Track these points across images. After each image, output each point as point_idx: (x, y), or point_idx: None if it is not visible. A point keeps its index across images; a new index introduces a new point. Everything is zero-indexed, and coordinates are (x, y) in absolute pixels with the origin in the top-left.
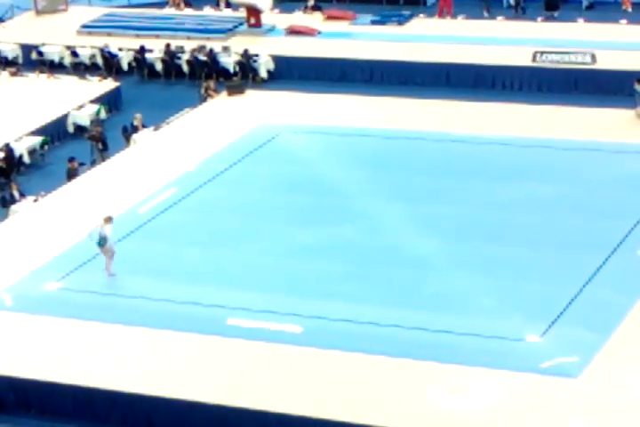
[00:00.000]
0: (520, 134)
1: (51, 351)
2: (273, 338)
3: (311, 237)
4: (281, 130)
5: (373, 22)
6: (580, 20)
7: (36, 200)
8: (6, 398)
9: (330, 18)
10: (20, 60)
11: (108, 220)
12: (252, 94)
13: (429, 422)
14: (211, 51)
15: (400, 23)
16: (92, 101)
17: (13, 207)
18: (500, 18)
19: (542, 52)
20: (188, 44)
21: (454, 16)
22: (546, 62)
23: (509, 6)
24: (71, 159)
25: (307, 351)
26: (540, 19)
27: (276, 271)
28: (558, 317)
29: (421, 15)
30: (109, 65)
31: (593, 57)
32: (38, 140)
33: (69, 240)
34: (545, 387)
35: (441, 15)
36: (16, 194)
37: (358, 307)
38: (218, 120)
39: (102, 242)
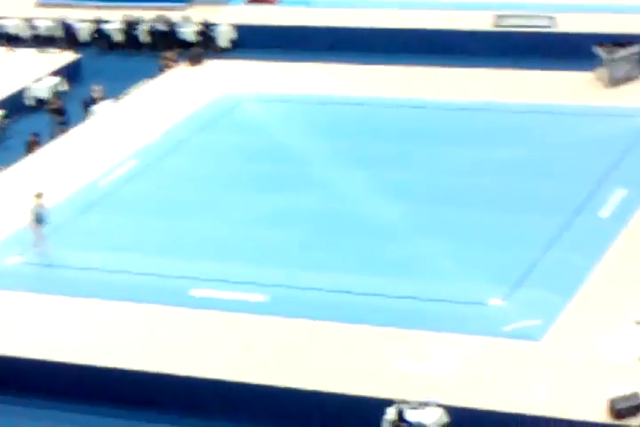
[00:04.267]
0: (480, 99)
1: (11, 325)
2: (237, 308)
3: (273, 205)
4: (242, 99)
5: None
6: None
7: None
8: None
9: None
10: None
11: (39, 196)
12: (212, 64)
13: (394, 388)
14: (170, 21)
15: None
16: (52, 74)
17: None
18: None
19: (503, 16)
20: (148, 15)
21: None
22: (506, 27)
23: None
24: (34, 134)
25: (271, 320)
26: None
27: (239, 241)
28: (521, 280)
29: None
30: (68, 37)
31: (552, 20)
32: None
33: (28, 216)
34: (508, 350)
35: None
36: None
37: (322, 275)
38: (178, 91)
39: (39, 219)
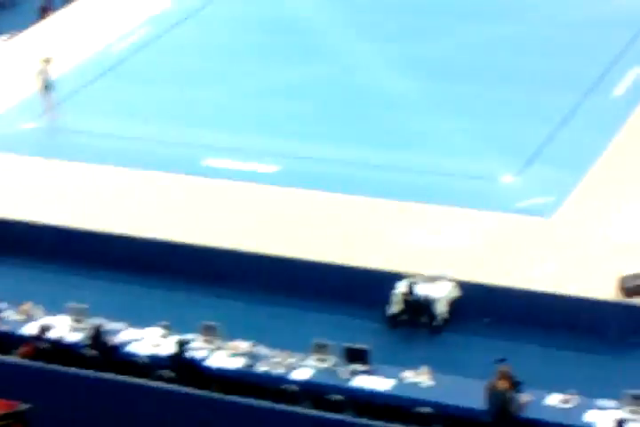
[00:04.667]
0: None
1: (25, 191)
2: (248, 177)
3: (288, 76)
4: None
5: None
6: None
7: (9, 38)
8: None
9: None
10: None
11: (47, 61)
12: None
13: (408, 262)
14: None
15: None
16: None
17: None
18: None
19: None
20: None
21: None
22: None
23: None
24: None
25: (283, 191)
26: None
27: (252, 111)
28: (533, 156)
29: None
30: None
31: None
32: None
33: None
34: (519, 226)
35: None
36: None
37: (333, 147)
38: None
39: (47, 84)
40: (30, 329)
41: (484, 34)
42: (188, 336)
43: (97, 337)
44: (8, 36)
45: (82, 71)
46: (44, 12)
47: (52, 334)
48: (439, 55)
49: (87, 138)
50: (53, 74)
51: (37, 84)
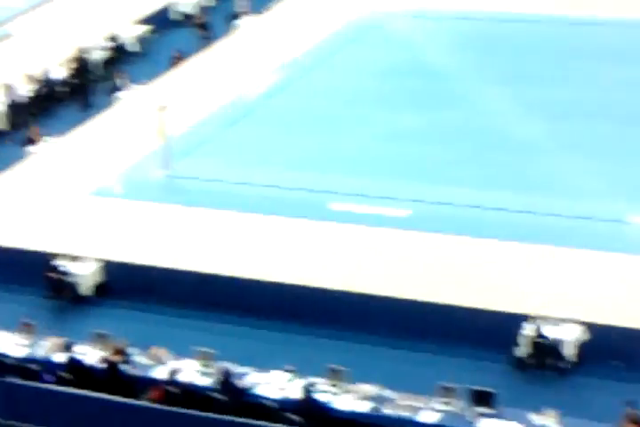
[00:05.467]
0: (628, 15)
1: (160, 237)
2: (375, 222)
3: (418, 121)
4: (389, 15)
5: None
6: None
7: (142, 87)
8: (119, 284)
9: None
10: None
11: (162, 108)
12: None
13: (538, 304)
14: None
15: None
16: None
17: (118, 95)
18: None
19: None
20: None
21: None
22: None
23: None
24: (179, 51)
25: (413, 235)
26: None
27: (383, 156)
28: None
29: None
30: None
31: None
32: (144, 28)
33: (176, 127)
34: None
35: None
36: (122, 82)
37: (465, 191)
38: (324, 6)
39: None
40: (160, 373)
41: (614, 75)
42: (314, 380)
43: (226, 381)
44: (141, 84)
45: (215, 118)
46: (176, 60)
47: (181, 378)
48: (571, 96)
49: (220, 185)
50: (170, 122)
51: (156, 133)
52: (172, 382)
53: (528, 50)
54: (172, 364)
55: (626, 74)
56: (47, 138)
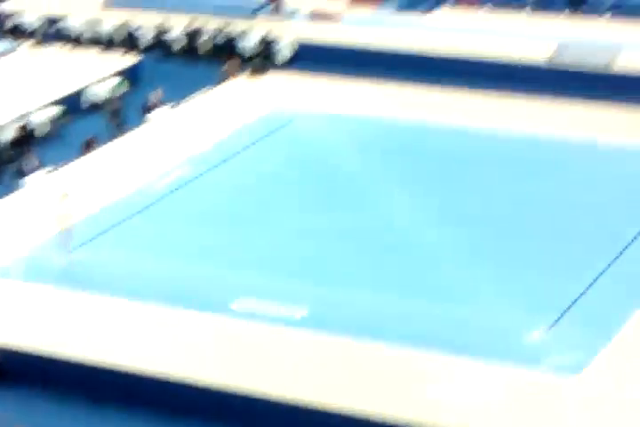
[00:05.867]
0: (529, 130)
1: (56, 324)
2: (276, 321)
3: (320, 222)
4: (297, 115)
5: (400, 8)
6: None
7: (50, 172)
8: (9, 368)
9: (355, 2)
10: (43, 32)
11: (64, 196)
12: (271, 78)
13: (425, 414)
14: (233, 31)
15: (426, 11)
16: (113, 75)
17: (27, 178)
18: (526, 10)
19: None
20: (212, 23)
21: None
22: (566, 58)
23: None
24: (92, 137)
25: (310, 336)
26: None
27: (286, 255)
28: (563, 313)
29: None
30: (132, 40)
31: (613, 57)
32: (56, 111)
33: (81, 213)
34: (545, 383)
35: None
36: (31, 165)
37: (363, 294)
38: (235, 102)
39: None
40: None
41: (521, 189)
42: None
43: None
44: (50, 169)
45: (120, 208)
46: (87, 146)
47: None
48: (477, 206)
49: (120, 274)
50: (73, 209)
51: (56, 220)
52: None
53: (427, 156)
54: None
55: (520, 188)
56: None
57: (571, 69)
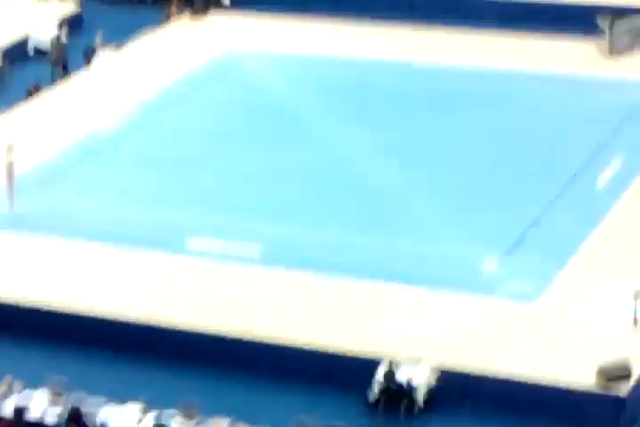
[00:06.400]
0: (477, 64)
1: (14, 270)
2: (230, 259)
3: (271, 161)
4: (242, 56)
5: None
6: None
7: None
8: None
9: None
10: None
11: (10, 148)
12: (215, 20)
13: (385, 344)
14: None
15: None
16: (55, 22)
17: None
18: None
19: None
20: None
21: None
22: None
23: None
24: (35, 84)
25: (264, 273)
26: None
27: (234, 195)
28: (516, 243)
29: None
30: None
31: None
32: None
33: (28, 161)
34: (501, 312)
35: None
36: None
37: (317, 231)
38: (180, 44)
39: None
40: (8, 407)
41: (468, 122)
42: (167, 412)
43: (76, 418)
44: None
45: (66, 155)
46: (32, 93)
47: (30, 414)
48: (424, 142)
49: (71, 218)
50: (18, 159)
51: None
52: (20, 419)
53: (373, 94)
54: (22, 397)
55: (472, 121)
56: None
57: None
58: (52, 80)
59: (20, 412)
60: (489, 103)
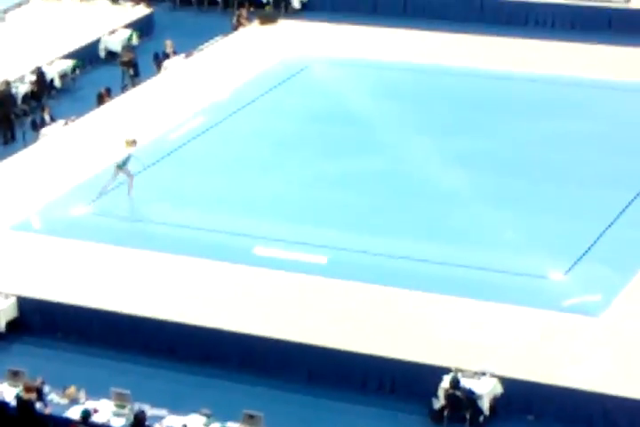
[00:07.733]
0: (550, 72)
1: (78, 275)
2: (297, 268)
3: (339, 168)
4: (312, 61)
5: None
6: None
7: (66, 124)
8: (33, 320)
9: None
10: None
11: (132, 143)
12: (284, 24)
13: (449, 356)
14: None
15: None
16: (125, 27)
17: (43, 131)
18: None
19: None
20: None
21: None
22: None
23: None
24: (106, 88)
25: (331, 283)
26: None
27: (303, 202)
28: (583, 255)
29: None
30: None
31: None
32: (70, 64)
33: (98, 165)
34: (566, 324)
35: None
36: (47, 117)
37: (383, 239)
38: (249, 49)
39: (122, 164)
40: (75, 413)
41: (537, 130)
42: (230, 424)
43: (139, 424)
44: (65, 121)
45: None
46: (102, 98)
47: (95, 419)
48: (493, 150)
49: (140, 224)
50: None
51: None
52: (86, 422)
53: (445, 101)
54: (88, 404)
55: (540, 130)
56: None
57: (584, 7)
58: (123, 83)
59: (87, 416)
60: (557, 111)
